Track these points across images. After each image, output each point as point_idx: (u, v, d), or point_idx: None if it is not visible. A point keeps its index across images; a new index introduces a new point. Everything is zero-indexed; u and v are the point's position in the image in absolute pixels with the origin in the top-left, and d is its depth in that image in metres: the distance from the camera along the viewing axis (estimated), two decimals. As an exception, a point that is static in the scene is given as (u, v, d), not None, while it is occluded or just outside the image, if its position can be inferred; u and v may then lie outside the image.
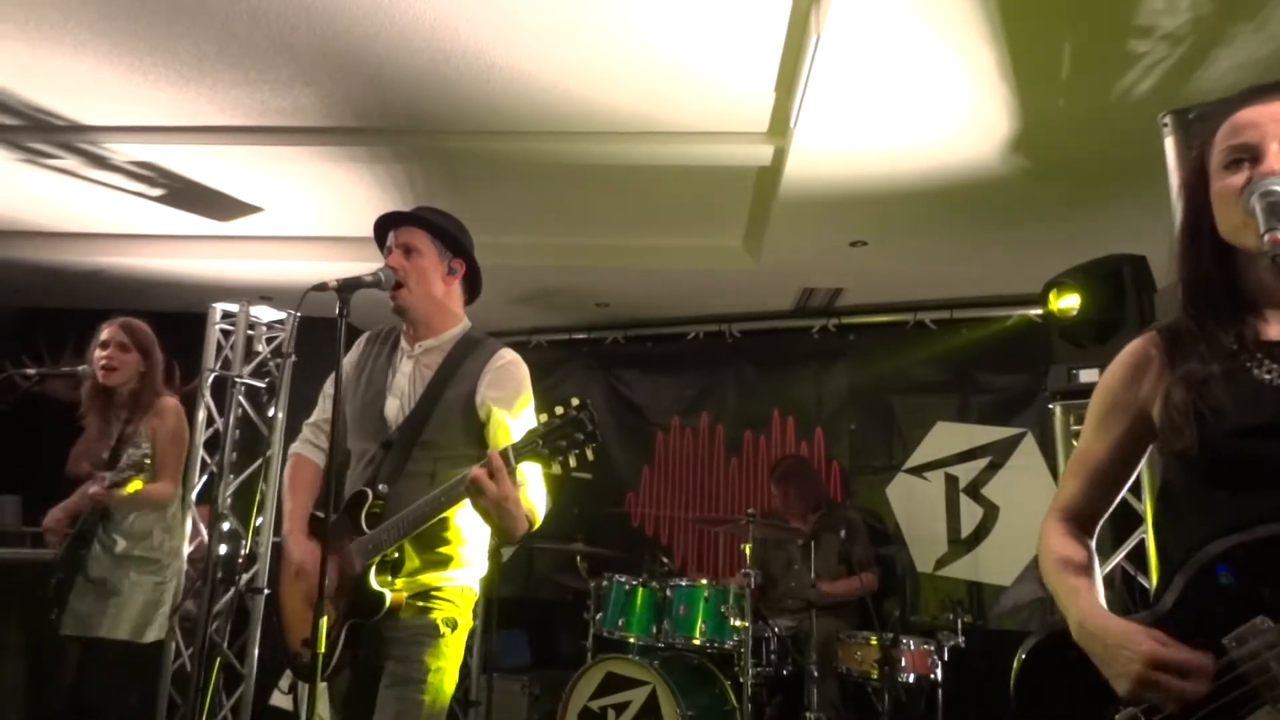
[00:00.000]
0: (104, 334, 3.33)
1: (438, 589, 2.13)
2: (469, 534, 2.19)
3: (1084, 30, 2.59)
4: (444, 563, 2.15)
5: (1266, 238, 1.12)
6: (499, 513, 1.89)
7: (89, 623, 3.16)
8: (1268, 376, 1.22)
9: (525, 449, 1.87)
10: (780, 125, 3.35)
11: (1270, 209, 1.14)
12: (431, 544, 2.12)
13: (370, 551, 2.07)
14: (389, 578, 2.08)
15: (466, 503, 2.07)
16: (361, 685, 2.12)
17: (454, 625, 2.13)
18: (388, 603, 2.04)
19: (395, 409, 2.23)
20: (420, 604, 2.11)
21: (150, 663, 4.14)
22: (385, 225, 2.35)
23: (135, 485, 3.20)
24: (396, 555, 2.09)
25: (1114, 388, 1.40)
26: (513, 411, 2.15)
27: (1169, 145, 2.40)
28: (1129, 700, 1.18)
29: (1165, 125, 2.40)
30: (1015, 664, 1.35)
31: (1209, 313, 1.29)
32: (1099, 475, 1.44)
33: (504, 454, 1.88)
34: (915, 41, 2.65)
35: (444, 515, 2.07)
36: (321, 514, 2.20)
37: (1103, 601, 1.32)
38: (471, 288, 2.42)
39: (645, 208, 4.25)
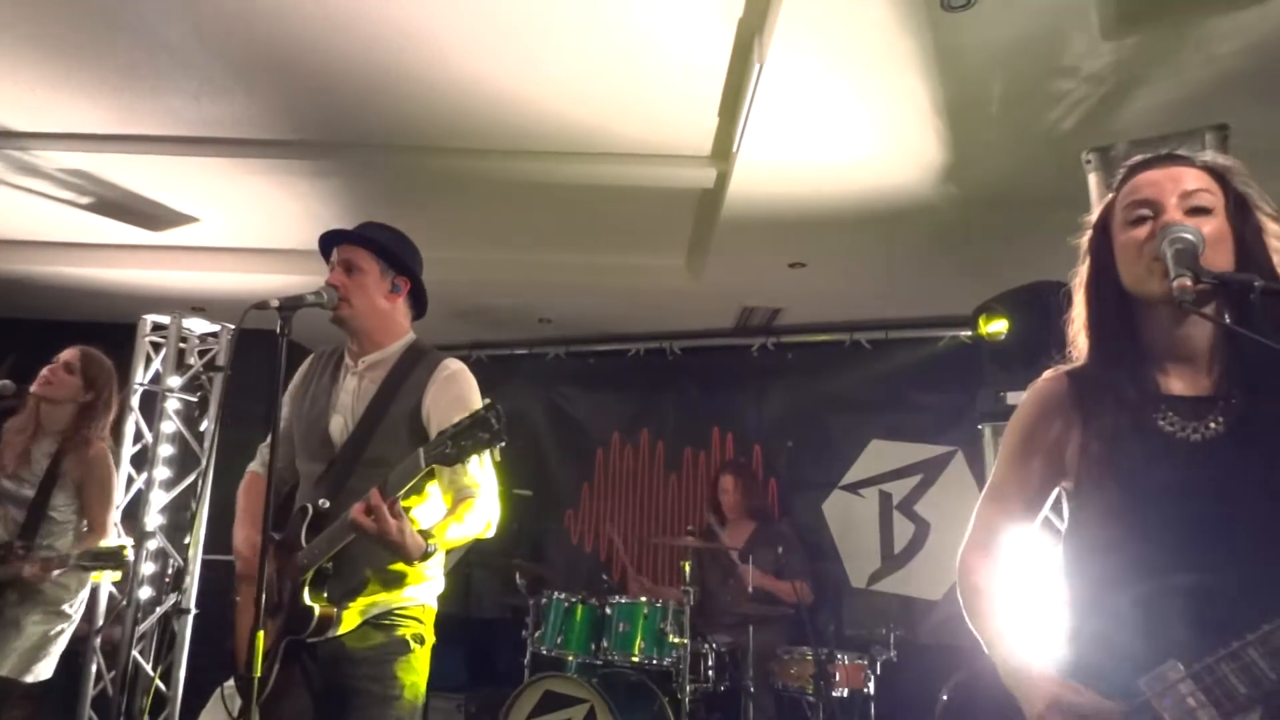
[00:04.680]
0: (62, 354, 3.27)
1: (401, 608, 2.14)
2: None
3: (1012, 68, 2.71)
4: (399, 580, 2.14)
5: (1175, 283, 1.19)
6: (383, 545, 1.93)
7: None
8: (1174, 430, 1.29)
9: (434, 450, 1.90)
10: (723, 149, 3.41)
11: (1178, 255, 1.21)
12: (384, 560, 2.10)
13: (305, 565, 2.06)
14: (323, 594, 2.07)
15: (425, 506, 2.12)
16: (322, 708, 2.11)
17: (422, 640, 2.15)
18: (315, 616, 2.03)
19: (340, 426, 2.22)
20: (384, 623, 2.12)
21: (57, 694, 3.94)
22: (329, 242, 2.34)
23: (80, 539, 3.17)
24: (330, 569, 2.08)
25: (1026, 425, 1.46)
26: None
27: (1092, 180, 2.51)
28: None
29: (1089, 162, 2.51)
30: (940, 701, 1.42)
31: (1113, 362, 1.36)
32: (1013, 508, 1.49)
33: (382, 489, 1.92)
34: (854, 74, 2.74)
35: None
36: (275, 535, 2.17)
37: (1021, 642, 1.38)
38: (417, 304, 2.42)
39: (589, 226, 4.28)
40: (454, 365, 2.27)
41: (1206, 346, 1.32)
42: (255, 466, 2.44)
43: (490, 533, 2.13)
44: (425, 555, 1.97)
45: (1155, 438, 1.29)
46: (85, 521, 3.26)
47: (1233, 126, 2.39)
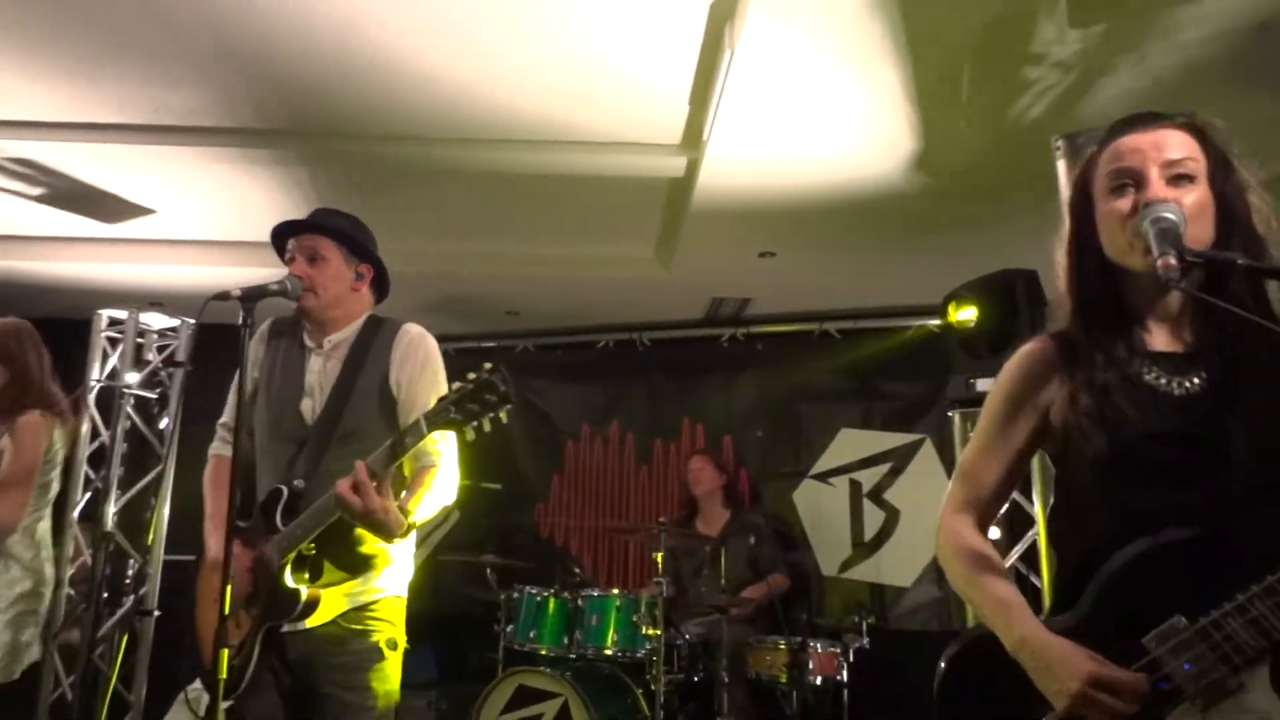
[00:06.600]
0: None
1: (373, 604, 2.10)
2: None
3: (981, 55, 2.71)
4: (368, 564, 2.11)
5: (1160, 262, 1.19)
6: (366, 524, 1.92)
7: None
8: (1160, 383, 1.30)
9: (438, 417, 1.86)
10: (694, 137, 3.38)
11: (1161, 235, 1.22)
12: (350, 545, 2.07)
13: (285, 548, 2.01)
14: (305, 575, 2.04)
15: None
16: (292, 711, 2.08)
17: (395, 645, 2.12)
18: (303, 599, 1.99)
19: (310, 407, 2.19)
20: (356, 626, 2.08)
21: (18, 695, 3.80)
22: (285, 233, 2.28)
23: None
24: (313, 552, 2.04)
25: (1012, 390, 1.45)
26: (424, 388, 2.15)
27: (1060, 167, 2.53)
28: (1064, 715, 1.21)
29: (1058, 148, 2.52)
30: (938, 672, 1.38)
31: (1098, 322, 1.36)
32: (996, 475, 1.46)
33: (369, 467, 1.89)
34: (825, 61, 2.72)
35: None
36: (243, 523, 2.12)
37: (1029, 611, 1.32)
38: (379, 289, 2.38)
39: (557, 216, 4.23)
40: (414, 329, 2.26)
41: (1185, 308, 1.34)
42: (218, 449, 2.37)
43: (452, 498, 2.13)
44: (405, 532, 1.98)
45: (1143, 390, 1.29)
46: None
47: (1199, 115, 2.41)
